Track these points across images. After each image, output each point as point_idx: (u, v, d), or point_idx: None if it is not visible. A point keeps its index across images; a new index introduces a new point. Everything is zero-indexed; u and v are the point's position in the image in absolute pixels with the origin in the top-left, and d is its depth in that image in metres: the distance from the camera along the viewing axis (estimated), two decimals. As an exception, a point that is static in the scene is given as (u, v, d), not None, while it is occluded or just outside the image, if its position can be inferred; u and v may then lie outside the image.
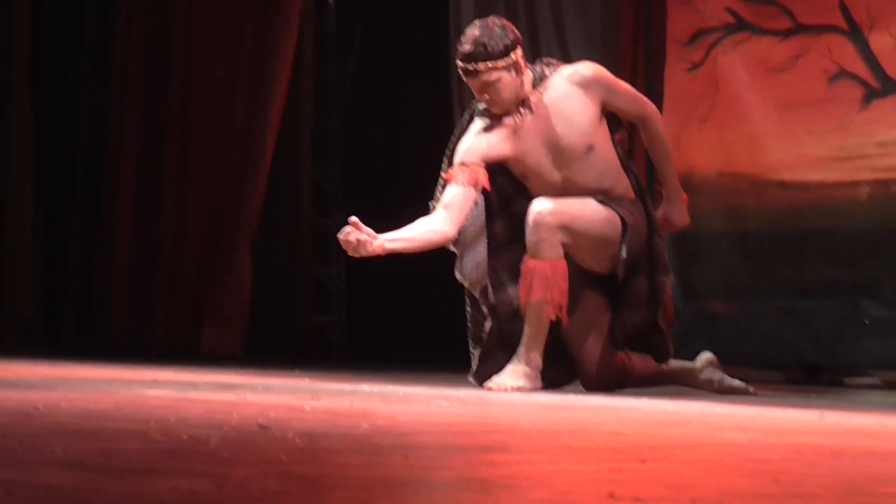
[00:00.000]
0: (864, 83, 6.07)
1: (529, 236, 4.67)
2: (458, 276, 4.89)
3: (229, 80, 7.91)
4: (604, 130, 4.85)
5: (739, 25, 6.45)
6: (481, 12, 7.35)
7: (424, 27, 7.93)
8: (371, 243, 4.50)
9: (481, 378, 4.79)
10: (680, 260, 6.47)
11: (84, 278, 8.19)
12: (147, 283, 7.95)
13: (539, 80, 4.83)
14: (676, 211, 4.97)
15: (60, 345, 7.89)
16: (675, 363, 4.95)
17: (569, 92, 4.81)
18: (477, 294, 4.86)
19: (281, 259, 8.07)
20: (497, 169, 4.82)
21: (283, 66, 7.73)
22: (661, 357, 4.92)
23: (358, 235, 4.50)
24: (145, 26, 8.05)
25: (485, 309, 4.86)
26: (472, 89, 4.80)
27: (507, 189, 4.90)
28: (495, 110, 4.80)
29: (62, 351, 7.28)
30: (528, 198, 4.80)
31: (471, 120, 4.90)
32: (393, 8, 8.27)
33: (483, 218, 4.88)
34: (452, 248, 4.87)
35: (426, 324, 7.55)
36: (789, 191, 6.22)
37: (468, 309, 4.95)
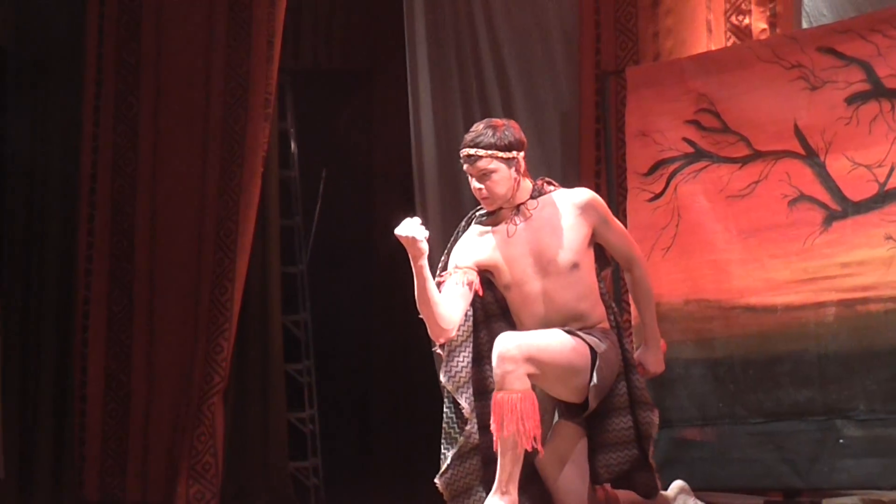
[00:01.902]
0: (823, 206, 6.15)
1: (496, 370, 4.68)
2: (442, 378, 4.90)
3: (195, 229, 7.93)
4: (590, 257, 4.92)
5: (698, 154, 6.55)
6: (442, 153, 7.47)
7: (388, 166, 8.01)
8: (421, 242, 4.59)
9: (448, 482, 4.80)
10: (652, 388, 6.48)
11: (56, 436, 8.12)
12: (120, 439, 7.89)
13: (537, 194, 4.92)
14: (652, 357, 5.05)
15: (33, 504, 7.80)
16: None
17: (564, 209, 4.90)
18: (461, 399, 4.86)
19: (253, 406, 8.04)
20: (485, 282, 4.89)
21: (248, 214, 7.76)
22: (649, 493, 4.92)
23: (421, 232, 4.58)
24: (111, 181, 8.07)
25: (465, 412, 4.85)
26: (470, 180, 4.87)
27: (492, 306, 4.97)
28: (487, 206, 4.89)
29: (36, 510, 7.20)
30: (509, 320, 4.85)
31: (467, 226, 5.00)
32: (357, 150, 8.36)
33: (470, 324, 4.93)
34: (438, 351, 4.89)
35: (402, 462, 7.53)
36: (757, 315, 6.25)
37: (446, 410, 4.94)
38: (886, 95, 6.03)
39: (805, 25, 6.61)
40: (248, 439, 7.95)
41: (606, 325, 4.93)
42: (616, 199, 6.98)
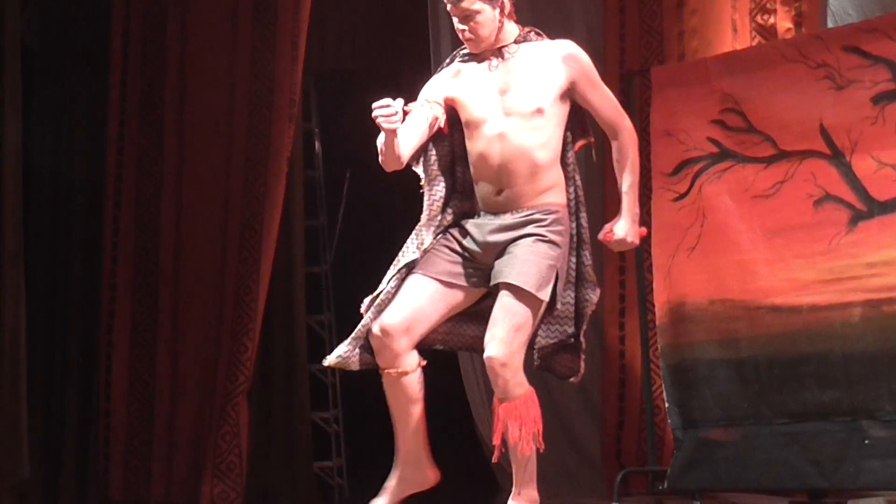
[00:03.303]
0: (849, 206, 6.11)
1: (494, 384, 4.64)
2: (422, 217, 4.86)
3: (220, 230, 7.95)
4: (560, 112, 4.80)
5: (722, 154, 6.52)
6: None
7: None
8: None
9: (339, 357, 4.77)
10: (677, 389, 6.47)
11: (81, 436, 8.15)
12: (144, 439, 7.92)
13: (521, 40, 4.87)
14: (625, 225, 4.87)
15: (59, 504, 7.84)
16: None
17: (545, 56, 4.83)
18: (427, 233, 4.81)
19: (278, 406, 8.05)
20: (454, 123, 4.85)
21: (272, 215, 7.77)
22: (569, 375, 4.89)
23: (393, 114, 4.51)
24: (135, 185, 8.10)
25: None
26: (455, 21, 4.81)
27: (461, 146, 4.90)
28: (471, 48, 4.84)
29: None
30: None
31: (450, 63, 4.96)
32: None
33: (449, 160, 4.90)
34: (424, 189, 4.85)
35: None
36: (782, 315, 6.22)
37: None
38: (913, 95, 6.01)
39: (831, 24, 6.58)
40: (273, 439, 7.97)
41: (562, 197, 4.82)
42: (641, 199, 6.94)
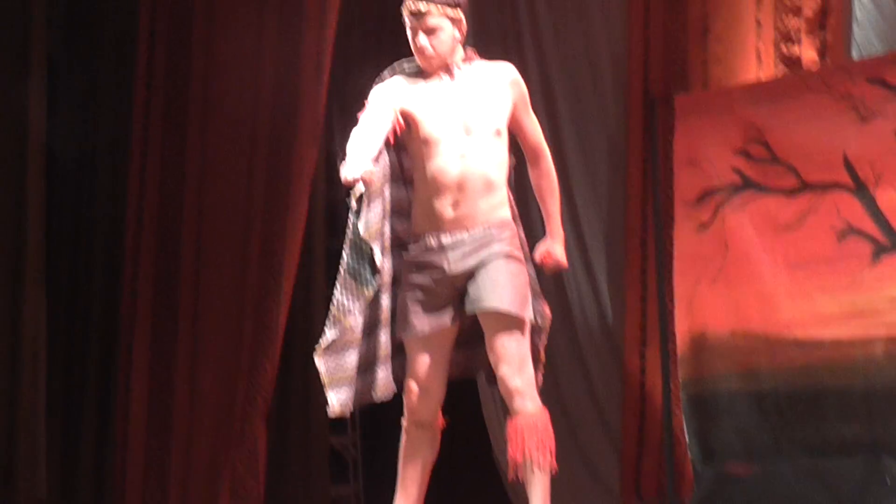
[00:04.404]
0: (872, 239, 6.09)
1: (509, 401, 4.69)
2: (360, 227, 4.76)
3: (240, 250, 7.94)
4: (506, 134, 4.84)
5: (746, 184, 6.49)
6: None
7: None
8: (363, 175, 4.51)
9: (328, 370, 4.76)
10: (697, 421, 6.44)
11: (98, 455, 8.15)
12: (162, 460, 7.90)
13: (468, 59, 4.85)
14: (558, 249, 4.94)
15: (75, 524, 7.84)
16: None
17: (492, 78, 4.84)
18: (375, 247, 4.76)
19: (296, 430, 8.03)
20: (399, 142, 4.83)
21: (294, 235, 7.75)
22: None
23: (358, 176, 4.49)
24: (158, 199, 8.10)
25: (377, 260, 4.76)
26: (410, 34, 4.80)
27: (394, 167, 4.89)
28: (425, 64, 4.81)
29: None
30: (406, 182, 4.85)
31: (390, 75, 4.90)
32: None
33: (388, 171, 4.85)
34: (352, 202, 4.77)
35: (444, 489, 7.49)
36: (804, 349, 6.19)
37: (343, 270, 4.82)
38: (937, 128, 5.98)
39: (855, 55, 6.55)
40: (290, 463, 7.94)
41: (509, 213, 4.83)
42: (663, 228, 6.93)
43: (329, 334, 4.79)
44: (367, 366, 4.83)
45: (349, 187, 4.60)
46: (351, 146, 4.63)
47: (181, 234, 8.05)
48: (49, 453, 8.05)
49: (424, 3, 4.77)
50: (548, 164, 4.95)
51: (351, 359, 4.80)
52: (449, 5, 4.77)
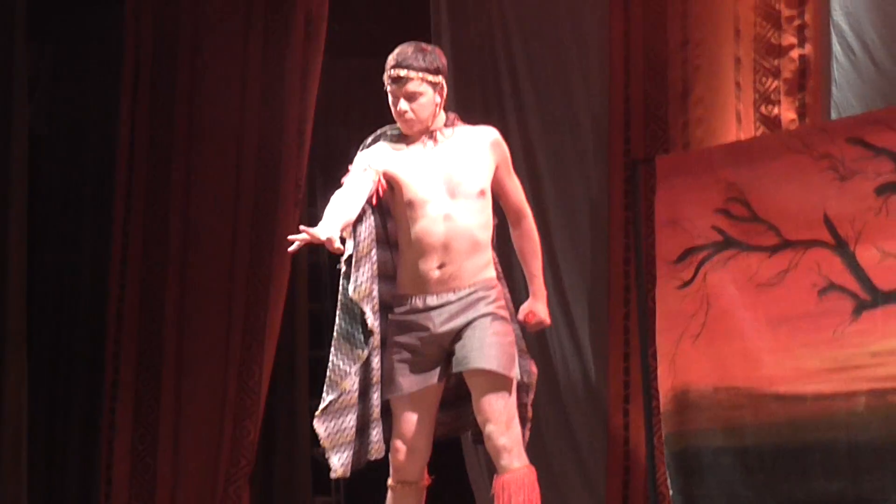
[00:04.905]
0: (853, 295, 6.14)
1: (496, 459, 4.75)
2: (349, 289, 4.82)
3: (224, 312, 7.95)
4: (490, 195, 4.91)
5: (727, 243, 6.56)
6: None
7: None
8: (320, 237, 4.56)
9: (328, 432, 4.82)
10: (681, 477, 6.46)
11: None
12: (145, 523, 7.88)
13: (450, 124, 4.92)
14: (542, 308, 5.03)
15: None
16: None
17: (474, 141, 4.90)
18: (366, 308, 4.80)
19: (279, 490, 8.02)
20: (380, 206, 4.88)
21: (277, 298, 7.79)
22: None
23: (307, 239, 4.56)
24: (140, 266, 8.11)
25: (369, 321, 4.80)
26: (392, 100, 4.87)
27: (379, 231, 4.93)
28: (407, 129, 4.88)
29: None
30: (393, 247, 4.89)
31: (374, 143, 4.97)
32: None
33: (373, 238, 4.89)
34: (341, 265, 4.84)
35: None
36: (787, 403, 6.23)
37: (337, 332, 4.86)
38: (916, 186, 6.06)
39: (834, 116, 6.64)
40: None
41: (494, 273, 4.90)
42: (645, 287, 6.99)
43: (327, 398, 4.84)
44: (362, 427, 4.88)
45: (335, 253, 4.66)
46: (327, 210, 4.71)
47: (164, 295, 8.06)
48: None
49: (405, 69, 4.84)
50: (530, 225, 5.03)
51: (349, 421, 4.85)
52: (429, 71, 4.85)
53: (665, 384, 6.59)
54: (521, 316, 5.02)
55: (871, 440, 5.96)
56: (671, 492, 6.48)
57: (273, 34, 8.00)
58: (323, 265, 8.74)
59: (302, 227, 4.60)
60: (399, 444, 4.86)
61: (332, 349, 4.87)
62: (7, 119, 8.01)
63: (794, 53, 6.79)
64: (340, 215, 4.68)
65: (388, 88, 4.89)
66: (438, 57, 4.90)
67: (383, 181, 4.84)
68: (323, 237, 4.56)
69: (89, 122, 8.48)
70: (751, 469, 6.29)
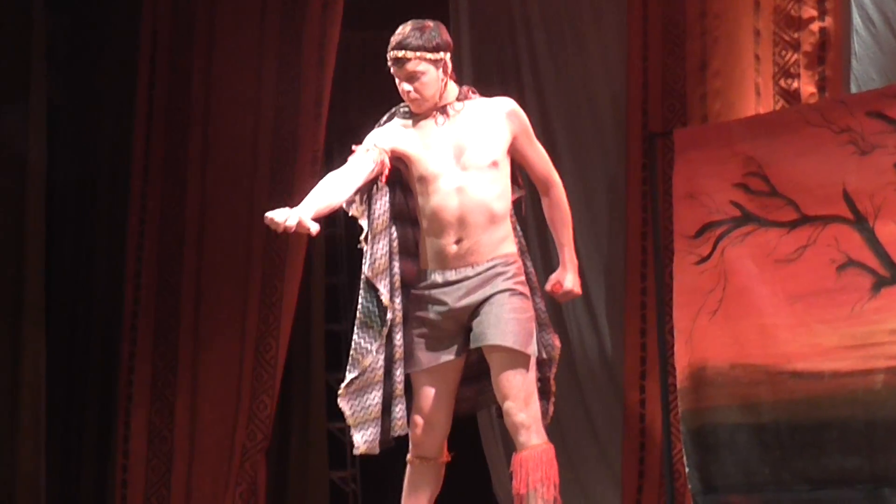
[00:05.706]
0: (872, 271, 6.09)
1: (515, 436, 4.73)
2: (365, 267, 4.82)
3: (241, 287, 7.94)
4: (508, 165, 4.87)
5: (745, 218, 6.51)
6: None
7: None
8: (293, 221, 4.52)
9: (352, 409, 4.78)
10: (697, 454, 6.43)
11: (98, 493, 8.12)
12: (162, 495, 7.89)
13: (462, 98, 4.89)
14: (571, 278, 4.97)
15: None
16: None
17: (489, 113, 4.87)
18: (380, 286, 4.79)
19: (295, 465, 8.02)
20: (397, 181, 4.87)
21: (293, 272, 7.78)
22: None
23: (281, 222, 4.51)
24: (157, 242, 8.11)
25: (384, 298, 4.79)
26: (397, 82, 4.84)
27: (402, 207, 4.92)
28: (415, 108, 4.86)
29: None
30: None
31: (388, 120, 4.95)
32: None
33: (387, 217, 4.87)
34: (361, 243, 4.84)
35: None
36: (804, 381, 6.19)
37: (360, 308, 4.84)
38: (936, 161, 6.00)
39: (854, 89, 6.58)
40: (290, 498, 7.92)
41: (514, 247, 4.87)
42: (663, 262, 6.95)
43: (350, 376, 4.83)
44: (387, 404, 4.85)
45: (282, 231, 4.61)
46: (311, 192, 4.71)
47: (181, 271, 8.06)
48: (49, 491, 8.03)
49: (402, 50, 4.81)
50: (558, 194, 4.97)
51: (374, 398, 4.82)
52: (427, 49, 4.80)
53: (682, 360, 6.56)
54: (548, 286, 4.98)
55: (887, 417, 5.92)
56: (687, 469, 6.46)
57: (290, 5, 7.97)
58: (339, 238, 8.73)
59: (267, 215, 4.55)
60: (418, 419, 4.84)
61: (355, 327, 4.86)
62: (25, 90, 8.03)
63: (815, 26, 6.73)
64: (319, 198, 4.67)
65: (392, 71, 4.86)
66: (440, 33, 4.85)
67: (387, 160, 4.81)
68: (282, 225, 4.52)
69: (107, 94, 8.46)
70: (767, 446, 6.26)
